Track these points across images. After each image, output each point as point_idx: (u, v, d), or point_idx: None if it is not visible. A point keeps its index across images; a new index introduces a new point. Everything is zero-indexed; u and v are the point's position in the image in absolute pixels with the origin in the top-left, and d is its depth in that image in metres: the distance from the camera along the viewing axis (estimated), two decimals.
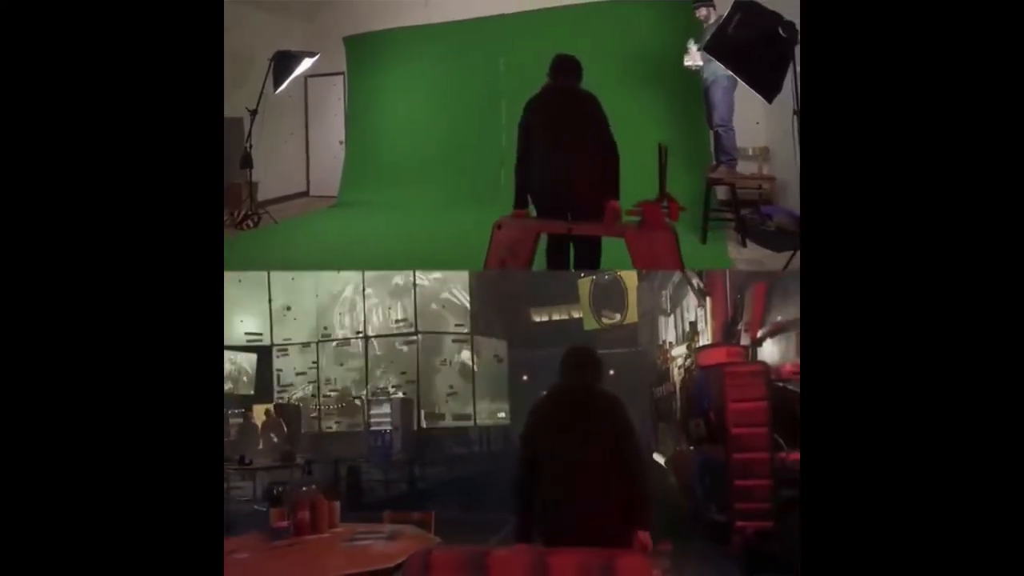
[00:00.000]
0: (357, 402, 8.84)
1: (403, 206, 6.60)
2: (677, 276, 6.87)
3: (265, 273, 9.34)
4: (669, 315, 7.67)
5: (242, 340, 9.31)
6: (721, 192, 5.20)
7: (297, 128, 8.04)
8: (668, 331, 7.65)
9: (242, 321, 9.25)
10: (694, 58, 4.99)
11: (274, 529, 2.32)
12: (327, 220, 6.76)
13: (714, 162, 5.24)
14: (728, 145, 5.09)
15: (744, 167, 5.33)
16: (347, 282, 9.25)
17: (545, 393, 2.21)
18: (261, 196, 6.68)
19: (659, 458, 6.29)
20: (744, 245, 4.73)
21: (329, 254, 5.97)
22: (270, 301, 9.34)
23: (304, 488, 2.40)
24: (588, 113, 3.16)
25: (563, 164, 3.10)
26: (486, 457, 8.94)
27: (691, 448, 4.40)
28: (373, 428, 8.29)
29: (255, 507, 6.43)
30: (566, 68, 3.28)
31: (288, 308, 9.30)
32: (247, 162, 6.20)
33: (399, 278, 9.08)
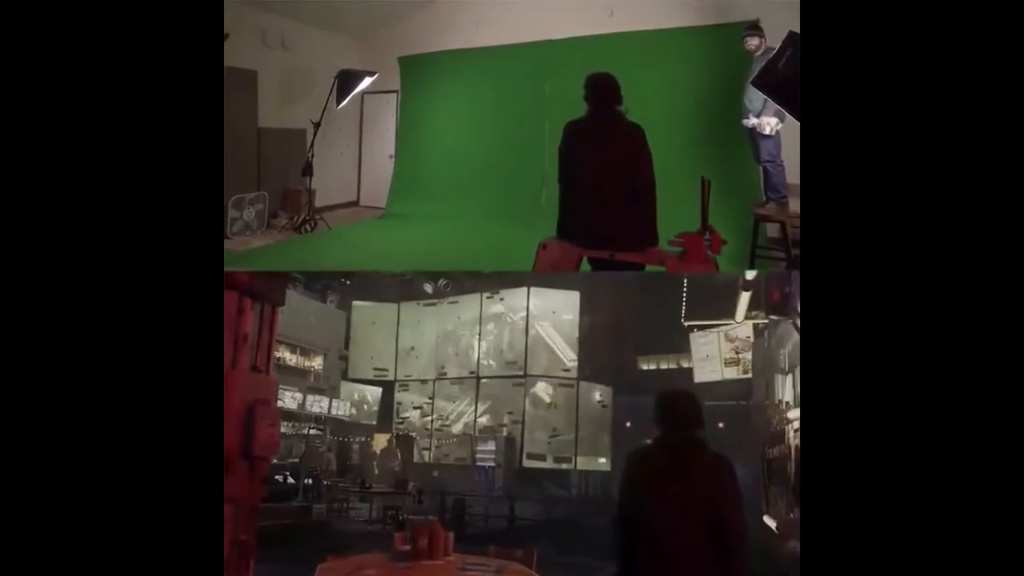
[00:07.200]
0: (465, 437, 9.24)
1: (446, 219, 6.75)
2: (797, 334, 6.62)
3: (396, 316, 10.10)
4: (787, 374, 7.36)
5: (370, 374, 10.12)
6: (772, 230, 4.95)
7: (352, 141, 8.38)
8: (785, 390, 7.34)
9: (372, 357, 10.08)
10: (755, 123, 4.81)
11: (398, 551, 2.63)
12: (375, 229, 7.03)
13: (763, 198, 4.98)
14: (777, 182, 4.84)
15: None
16: (465, 325, 9.75)
17: (648, 442, 2.03)
18: (317, 203, 6.96)
19: (770, 522, 6.02)
20: None
21: (375, 261, 6.23)
22: (397, 341, 10.07)
23: (425, 517, 2.68)
24: (633, 150, 3.00)
25: (604, 212, 3.01)
26: (584, 501, 8.91)
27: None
28: (478, 463, 8.62)
29: (370, 528, 6.92)
30: (605, 91, 3.06)
31: (412, 348, 9.95)
32: (308, 170, 6.50)
33: (519, 319, 9.41)
